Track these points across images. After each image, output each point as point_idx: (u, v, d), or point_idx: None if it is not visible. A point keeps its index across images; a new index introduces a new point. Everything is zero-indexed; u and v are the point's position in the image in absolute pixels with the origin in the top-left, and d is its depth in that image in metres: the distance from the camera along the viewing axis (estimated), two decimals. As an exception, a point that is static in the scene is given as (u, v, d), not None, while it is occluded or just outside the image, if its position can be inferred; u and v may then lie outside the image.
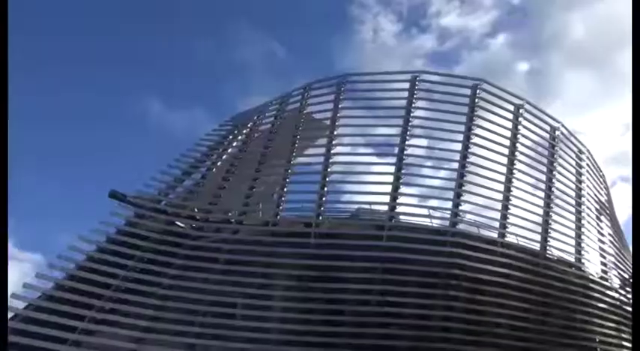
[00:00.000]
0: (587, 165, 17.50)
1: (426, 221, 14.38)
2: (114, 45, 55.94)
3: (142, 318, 11.98)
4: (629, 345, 15.86)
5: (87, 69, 53.50)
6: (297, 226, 13.95)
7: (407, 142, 14.62)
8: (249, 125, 17.03)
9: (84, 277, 12.40)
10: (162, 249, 13.00)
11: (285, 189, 14.80)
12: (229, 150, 16.55)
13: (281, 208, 14.52)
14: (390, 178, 14.14)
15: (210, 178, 15.75)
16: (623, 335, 15.77)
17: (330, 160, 14.63)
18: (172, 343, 11.68)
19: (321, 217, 13.97)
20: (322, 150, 14.96)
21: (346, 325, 12.44)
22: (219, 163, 16.22)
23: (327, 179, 14.39)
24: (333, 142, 14.94)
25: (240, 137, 16.79)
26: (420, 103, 15.26)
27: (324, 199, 14.18)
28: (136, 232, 13.30)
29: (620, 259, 17.63)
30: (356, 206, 15.17)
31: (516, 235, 14.77)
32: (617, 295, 16.28)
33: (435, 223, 14.43)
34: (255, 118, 17.10)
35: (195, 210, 14.42)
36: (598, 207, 17.54)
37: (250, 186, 14.81)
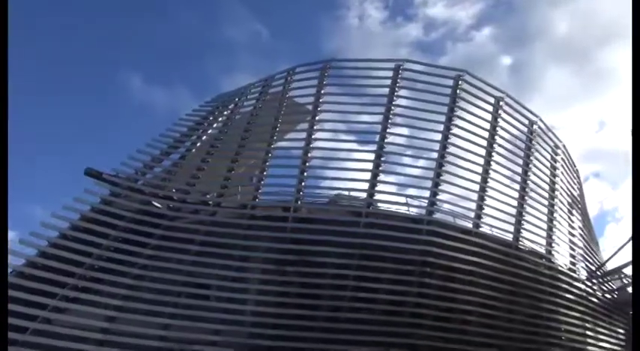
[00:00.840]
0: (562, 159, 17.88)
1: (403, 209, 14.53)
2: (96, 18, 54.46)
3: (115, 297, 11.91)
4: (592, 334, 16.48)
5: (66, 42, 52.08)
6: (275, 210, 13.96)
7: (388, 130, 14.69)
8: (230, 107, 16.88)
9: (56, 254, 12.23)
10: (138, 229, 12.89)
11: (264, 172, 14.74)
12: (209, 131, 16.39)
13: (260, 191, 14.48)
14: (370, 166, 14.22)
15: (189, 159, 15.59)
16: (587, 325, 16.36)
17: (311, 146, 14.62)
18: (145, 323, 11.65)
19: (299, 202, 14.00)
20: (303, 135, 14.92)
21: (321, 309, 12.59)
22: (198, 144, 16.07)
23: (307, 164, 14.39)
24: (315, 127, 14.91)
25: (220, 118, 16.65)
26: (402, 92, 15.32)
27: (303, 183, 14.19)
28: (112, 210, 13.13)
29: (588, 252, 18.18)
30: (335, 192, 15.22)
31: (490, 225, 15.08)
32: (583, 287, 16.80)
33: (413, 211, 14.59)
34: (237, 99, 16.94)
35: (173, 190, 14.29)
36: (570, 201, 17.99)
37: (229, 168, 14.72)
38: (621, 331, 17.89)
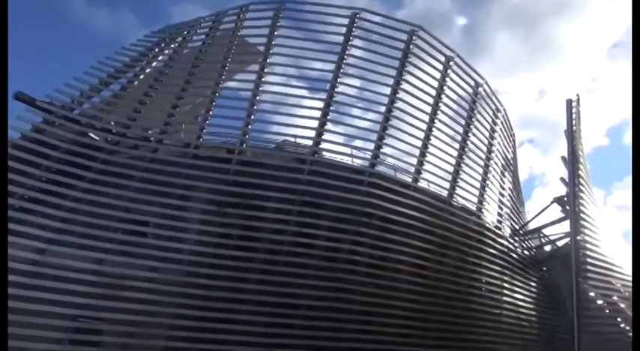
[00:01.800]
0: (502, 123, 18.62)
1: (347, 160, 14.74)
2: None
3: (47, 229, 11.51)
4: (509, 286, 17.88)
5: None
6: (219, 152, 13.74)
7: (339, 80, 14.61)
8: (178, 40, 16.09)
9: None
10: (73, 160, 12.32)
11: (210, 112, 14.36)
12: (154, 63, 15.63)
13: (204, 131, 14.15)
14: (318, 114, 14.19)
15: (130, 92, 14.86)
16: (505, 278, 17.69)
17: (260, 89, 14.32)
18: (79, 257, 11.40)
19: (244, 145, 13.84)
20: (253, 76, 14.55)
21: (259, 252, 12.79)
22: (141, 77, 15.31)
23: (255, 107, 14.14)
24: (265, 70, 14.56)
25: (167, 51, 15.86)
26: (356, 42, 15.17)
27: (249, 127, 13.97)
28: (45, 140, 12.42)
29: (514, 212, 19.42)
30: (281, 138, 15.14)
31: (428, 181, 15.67)
32: (506, 243, 18.03)
33: (356, 162, 14.85)
34: (186, 33, 16.16)
35: (112, 123, 13.66)
36: (504, 163, 18.92)
37: (173, 105, 14.20)
38: (534, 284, 19.51)
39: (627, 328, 17.79)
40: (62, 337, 10.88)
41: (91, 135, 13.12)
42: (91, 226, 11.76)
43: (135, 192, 12.32)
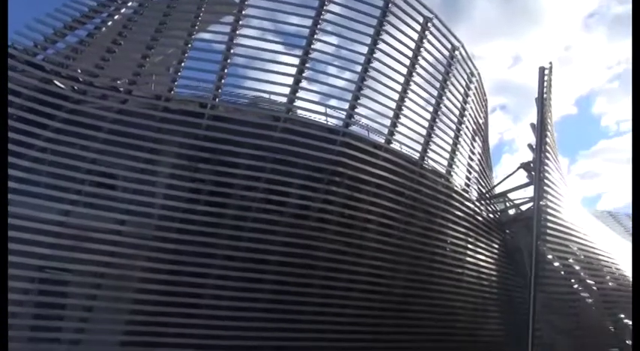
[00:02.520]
0: (475, 87, 18.75)
1: (321, 119, 14.66)
2: None
3: (11, 179, 11.15)
4: (472, 248, 18.51)
5: None
6: (191, 105, 13.44)
7: (316, 36, 14.32)
8: (149, -15, 15.34)
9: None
10: (37, 108, 11.85)
11: (182, 64, 13.93)
12: (123, 10, 14.93)
13: (176, 83, 13.77)
14: (293, 71, 13.96)
15: (98, 39, 14.21)
16: (470, 239, 18.28)
17: (235, 42, 13.92)
18: (44, 208, 11.17)
19: (217, 100, 13.56)
20: (227, 29, 14.09)
21: (230, 208, 12.80)
22: (110, 23, 14.63)
23: (228, 61, 13.77)
24: (240, 22, 14.12)
25: (137, -3, 15.13)
26: (335, -3, 14.80)
27: (222, 81, 13.66)
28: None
29: (482, 176, 19.87)
30: (254, 94, 14.89)
31: (400, 143, 15.81)
32: (472, 206, 18.53)
33: (330, 121, 14.79)
34: (158, -22, 15.39)
35: (78, 71, 13.12)
36: (475, 128, 19.18)
37: (144, 55, 13.70)
38: (496, 246, 20.24)
39: (580, 288, 18.81)
40: (30, 287, 10.78)
41: (57, 83, 12.59)
42: (57, 177, 11.48)
43: (103, 144, 12.00)
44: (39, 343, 10.70)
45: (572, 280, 18.70)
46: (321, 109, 14.87)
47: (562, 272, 18.40)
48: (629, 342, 18.28)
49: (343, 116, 14.64)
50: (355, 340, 14.10)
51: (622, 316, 18.73)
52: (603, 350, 17.50)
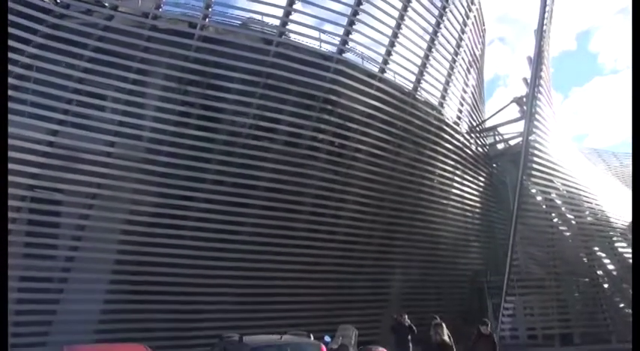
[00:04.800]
0: (474, 17, 18.19)
1: (315, 44, 14.23)
2: None
3: (-6, 95, 10.85)
4: (459, 180, 18.82)
5: None
6: (181, 25, 12.90)
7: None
8: None
9: None
10: (17, 21, 11.24)
11: (170, -21, 13.22)
12: None
13: (164, 0, 13.11)
14: (288, -8, 13.34)
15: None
16: (457, 172, 18.55)
17: (226, -43, 13.14)
18: (31, 126, 10.94)
19: (207, 20, 13.02)
20: (218, -58, 13.26)
21: (220, 133, 12.70)
22: None
23: (220, -22, 13.09)
24: (232, -64, 13.27)
25: None
26: None
27: (213, 0, 13.05)
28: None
29: (473, 110, 19.79)
30: (247, 15, 14.28)
31: (394, 72, 15.53)
32: (462, 139, 18.61)
33: (324, 47, 14.37)
34: None
35: (60, -17, 12.37)
36: (471, 60, 18.83)
37: (130, -32, 12.93)
38: (482, 179, 20.60)
39: (559, 222, 19.42)
40: (21, 205, 10.83)
41: (38, -5, 11.89)
42: (43, 95, 11.17)
43: (88, 62, 11.59)
44: (34, 260, 10.92)
45: (553, 214, 19.24)
46: (316, 33, 14.39)
47: (544, 206, 18.87)
48: (600, 272, 19.22)
49: (338, 42, 14.23)
50: (344, 265, 14.63)
51: (596, 248, 19.51)
52: (574, 278, 18.47)
